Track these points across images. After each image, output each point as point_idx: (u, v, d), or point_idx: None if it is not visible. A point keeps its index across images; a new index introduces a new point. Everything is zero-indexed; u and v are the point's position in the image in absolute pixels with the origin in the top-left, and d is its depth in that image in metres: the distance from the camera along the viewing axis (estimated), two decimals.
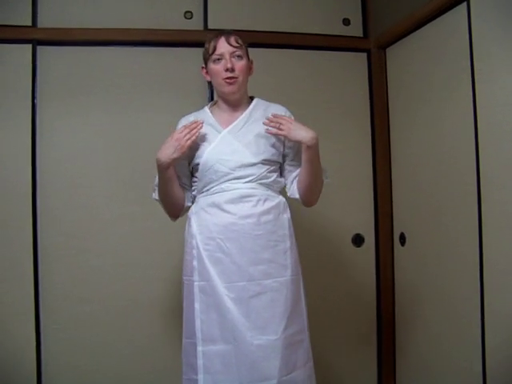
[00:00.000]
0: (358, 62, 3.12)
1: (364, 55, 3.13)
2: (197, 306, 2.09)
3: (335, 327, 3.03)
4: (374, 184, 3.10)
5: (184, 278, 2.17)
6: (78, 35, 2.76)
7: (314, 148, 2.11)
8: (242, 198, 2.10)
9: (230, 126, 2.17)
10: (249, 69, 2.21)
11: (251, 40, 2.82)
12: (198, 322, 2.07)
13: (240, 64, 2.14)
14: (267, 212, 2.11)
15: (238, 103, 2.22)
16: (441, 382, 2.60)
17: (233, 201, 2.10)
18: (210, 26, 2.87)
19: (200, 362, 2.04)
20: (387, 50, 3.06)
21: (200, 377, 2.03)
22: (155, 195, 2.26)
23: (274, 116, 2.14)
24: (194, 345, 2.07)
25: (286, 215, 2.18)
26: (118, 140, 2.84)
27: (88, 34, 2.77)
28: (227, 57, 2.11)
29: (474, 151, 2.28)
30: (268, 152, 2.16)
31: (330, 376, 2.97)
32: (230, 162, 2.11)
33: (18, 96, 2.70)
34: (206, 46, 2.18)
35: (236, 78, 2.13)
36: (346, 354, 3.05)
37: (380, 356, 3.09)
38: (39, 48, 2.74)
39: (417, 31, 2.73)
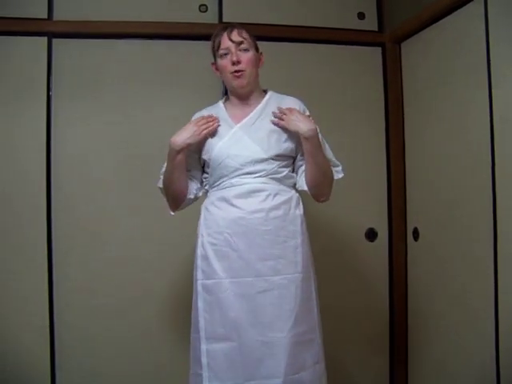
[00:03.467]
0: (372, 56, 3.10)
1: (379, 49, 3.11)
2: (200, 304, 2.09)
3: (347, 322, 3.03)
4: (388, 178, 3.09)
5: (194, 272, 2.18)
6: (92, 28, 2.77)
7: (311, 140, 2.08)
8: (251, 193, 2.08)
9: (242, 122, 2.15)
10: (258, 61, 2.19)
11: (265, 33, 2.84)
12: (201, 321, 2.07)
13: (246, 56, 2.12)
14: (277, 207, 2.09)
15: (249, 97, 2.20)
16: (454, 379, 2.59)
17: (242, 195, 2.08)
18: (225, 19, 2.87)
19: (204, 360, 2.03)
20: (402, 44, 3.04)
21: (205, 375, 2.02)
22: (160, 183, 2.24)
23: (280, 109, 2.13)
24: (200, 340, 2.07)
25: (299, 211, 2.15)
26: (131, 133, 2.85)
27: (103, 26, 2.78)
28: (233, 50, 2.10)
29: (490, 146, 2.26)
30: (280, 147, 2.13)
31: (340, 374, 2.95)
32: (240, 158, 2.10)
33: (34, 88, 2.72)
34: (211, 42, 2.18)
35: (243, 70, 2.11)
36: (357, 350, 3.05)
37: (392, 352, 3.09)
38: (54, 41, 2.75)
39: (432, 25, 2.71)
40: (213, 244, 2.09)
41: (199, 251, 2.13)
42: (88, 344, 2.77)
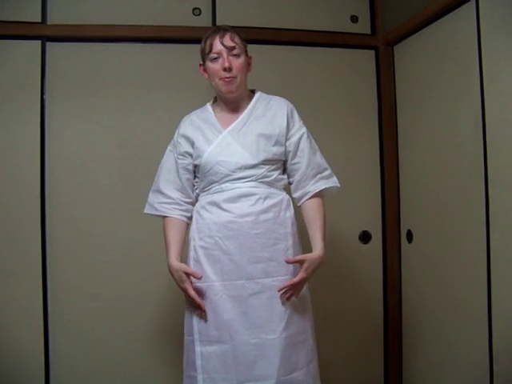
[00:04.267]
0: (365, 59, 3.12)
1: (372, 52, 3.12)
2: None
3: (341, 323, 3.03)
4: (382, 181, 3.10)
5: None
6: (87, 32, 2.77)
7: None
8: (241, 197, 2.09)
9: (230, 127, 2.15)
10: (247, 65, 2.18)
11: (258, 37, 2.86)
12: (195, 323, 2.09)
13: (238, 62, 2.11)
14: (266, 210, 2.10)
15: (237, 101, 2.19)
16: (447, 379, 2.60)
17: (231, 200, 2.09)
18: (219, 22, 2.87)
19: (198, 362, 2.05)
20: (395, 47, 3.06)
21: (199, 377, 2.04)
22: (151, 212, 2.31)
23: (282, 289, 2.07)
24: (194, 342, 2.08)
25: (289, 213, 2.17)
26: (126, 136, 2.85)
27: (97, 30, 2.78)
28: (224, 55, 2.09)
29: (482, 148, 2.27)
30: (269, 152, 2.13)
31: (334, 374, 2.95)
32: (230, 164, 2.10)
33: (28, 92, 2.71)
34: (202, 44, 2.16)
35: (234, 77, 2.10)
36: (351, 351, 3.05)
37: (386, 353, 3.09)
38: (48, 44, 2.75)
39: (425, 28, 2.72)
40: (204, 248, 2.11)
41: (191, 255, 2.15)
42: (83, 346, 2.76)
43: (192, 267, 2.13)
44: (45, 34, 2.74)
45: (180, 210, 2.23)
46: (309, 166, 2.18)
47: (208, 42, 2.13)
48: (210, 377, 2.03)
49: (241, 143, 2.12)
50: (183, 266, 2.11)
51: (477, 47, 2.30)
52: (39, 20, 2.73)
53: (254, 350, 2.01)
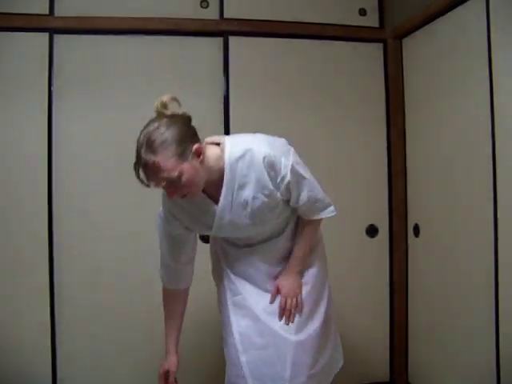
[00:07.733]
0: (374, 52, 3.10)
1: (380, 45, 3.11)
2: (233, 319, 2.10)
3: (347, 318, 3.02)
4: (389, 174, 3.09)
5: (215, 278, 2.23)
6: (94, 24, 2.77)
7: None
8: (259, 244, 2.13)
9: (220, 203, 1.92)
10: (193, 171, 1.81)
11: (266, 30, 2.84)
12: (236, 336, 2.07)
13: (180, 186, 1.81)
14: (279, 238, 2.13)
15: (211, 180, 1.92)
16: (453, 376, 2.60)
17: (250, 245, 2.13)
18: (226, 15, 2.87)
19: (246, 370, 2.04)
20: (403, 40, 3.04)
21: (249, 381, 2.03)
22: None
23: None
24: (235, 346, 2.07)
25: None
26: (132, 129, 2.83)
27: (104, 22, 2.78)
28: (163, 188, 1.87)
29: (491, 142, 2.26)
30: (271, 213, 1.98)
31: (339, 373, 2.95)
32: (241, 240, 2.12)
33: (35, 84, 2.72)
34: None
35: (185, 194, 1.85)
36: (357, 346, 3.05)
37: (392, 348, 3.10)
38: (56, 36, 2.75)
39: (434, 22, 2.71)
40: (227, 266, 2.15)
41: (224, 273, 2.15)
42: (89, 339, 2.78)
43: (226, 284, 2.14)
44: (52, 26, 2.74)
45: (179, 280, 2.15)
46: (299, 202, 2.01)
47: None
48: (260, 381, 2.03)
49: (240, 217, 1.96)
50: (171, 364, 2.15)
51: (486, 40, 2.28)
52: (47, 12, 2.73)
53: (291, 350, 2.04)
